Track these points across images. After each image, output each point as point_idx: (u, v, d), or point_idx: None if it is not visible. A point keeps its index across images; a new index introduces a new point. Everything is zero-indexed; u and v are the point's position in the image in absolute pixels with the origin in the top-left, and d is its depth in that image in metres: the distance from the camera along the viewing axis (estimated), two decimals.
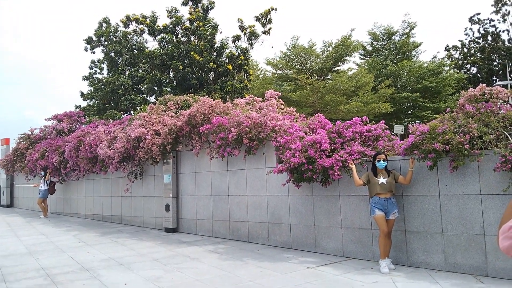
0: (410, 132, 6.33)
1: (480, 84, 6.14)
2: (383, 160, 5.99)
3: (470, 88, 6.19)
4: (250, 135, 7.85)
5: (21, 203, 19.07)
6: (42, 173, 14.24)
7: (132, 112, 18.07)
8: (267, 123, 7.73)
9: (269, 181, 8.01)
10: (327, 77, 24.35)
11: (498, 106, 5.88)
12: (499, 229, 1.17)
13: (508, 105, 6.02)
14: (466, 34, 34.14)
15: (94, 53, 20.93)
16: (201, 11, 17.46)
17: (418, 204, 6.01)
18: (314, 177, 6.67)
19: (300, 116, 9.29)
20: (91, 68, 21.93)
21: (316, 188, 7.18)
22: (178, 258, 7.00)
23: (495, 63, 33.20)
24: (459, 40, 34.91)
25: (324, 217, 7.12)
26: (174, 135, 9.38)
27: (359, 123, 6.98)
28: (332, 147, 6.68)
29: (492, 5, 32.21)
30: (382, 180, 5.94)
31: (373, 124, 7.21)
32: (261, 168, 8.17)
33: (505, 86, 28.28)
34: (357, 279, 5.43)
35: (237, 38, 16.98)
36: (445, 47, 34.49)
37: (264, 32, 16.84)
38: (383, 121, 7.44)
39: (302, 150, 6.74)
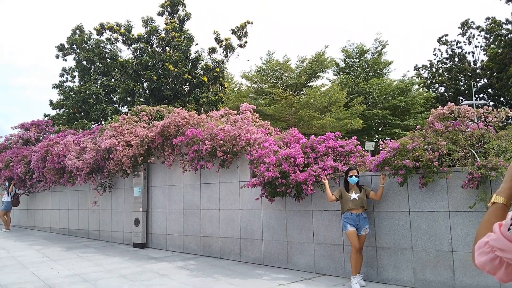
0: (381, 148, 6.43)
1: (449, 102, 6.33)
2: (355, 176, 6.05)
3: (439, 106, 6.36)
4: (225, 148, 7.79)
5: None
6: (6, 183, 13.63)
7: (103, 122, 17.66)
8: (242, 136, 7.69)
9: (243, 195, 7.93)
10: (301, 92, 24.67)
11: (465, 124, 6.07)
12: (474, 245, 1.16)
13: (475, 123, 6.23)
14: (434, 54, 35.43)
15: (65, 60, 20.41)
16: (177, 22, 17.42)
17: (388, 220, 6.08)
18: (288, 191, 6.65)
19: (274, 130, 9.30)
20: (61, 76, 21.32)
21: (289, 203, 7.16)
22: (146, 275, 6.78)
23: (461, 83, 34.53)
24: (428, 60, 36.25)
25: (296, 232, 7.09)
26: (146, 147, 9.18)
27: (332, 138, 7.05)
28: (305, 162, 6.69)
29: (458, 27, 33.63)
30: (354, 195, 5.99)
31: (346, 140, 7.30)
32: (235, 182, 8.10)
33: (471, 106, 29.40)
34: None
35: (212, 50, 17.00)
36: (415, 67, 35.67)
37: (240, 45, 16.94)
38: (355, 137, 7.55)
39: (276, 164, 6.72)
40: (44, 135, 15.77)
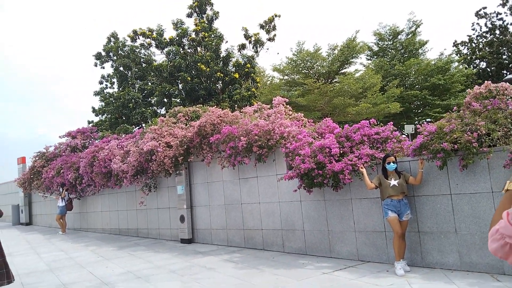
0: (419, 132, 6.35)
1: (486, 81, 6.14)
2: (393, 162, 6.02)
3: (476, 86, 6.19)
4: (260, 143, 7.94)
5: (40, 221, 19.42)
6: (60, 189, 14.52)
7: (143, 125, 18.32)
8: (276, 130, 7.81)
9: (281, 187, 8.07)
10: (335, 80, 24.36)
11: (505, 102, 5.87)
12: (489, 231, 1.23)
13: None
14: (473, 29, 33.76)
15: (103, 68, 21.34)
16: (206, 22, 17.71)
17: (430, 204, 6.02)
18: (325, 182, 6.71)
19: (308, 121, 9.34)
20: (101, 83, 22.31)
21: (328, 192, 7.22)
22: (194, 269, 7.09)
23: (504, 57, 32.77)
24: (467, 35, 34.53)
25: (337, 221, 7.15)
26: (185, 147, 9.52)
27: (367, 126, 7.02)
28: (341, 151, 6.72)
29: None
30: (393, 182, 5.97)
31: (381, 126, 7.24)
32: (272, 175, 8.24)
33: None
34: (372, 282, 5.45)
35: (242, 47, 17.16)
36: (453, 43, 34.18)
37: (269, 39, 16.99)
38: (391, 123, 7.46)
39: (311, 155, 6.79)
40: (90, 142, 16.61)
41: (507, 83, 6.08)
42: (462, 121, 5.85)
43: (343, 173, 6.39)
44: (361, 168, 6.33)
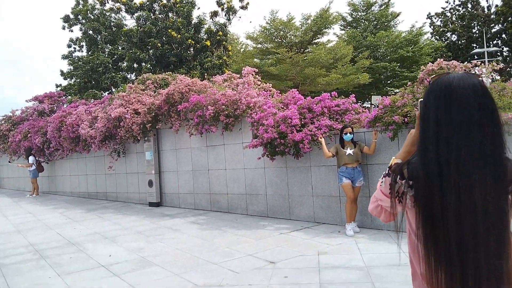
0: (375, 105, 6.74)
1: (439, 59, 6.54)
2: (350, 133, 6.42)
3: (429, 63, 6.58)
4: (227, 112, 8.19)
5: (7, 184, 19.25)
6: (28, 160, 14.42)
7: (113, 90, 18.11)
8: (242, 100, 8.06)
9: (246, 155, 8.41)
10: (307, 50, 24.51)
11: (480, 79, 6.29)
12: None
13: None
14: (447, 2, 34.27)
15: (72, 31, 20.69)
16: None
17: (381, 172, 6.49)
18: (286, 150, 7.08)
19: (276, 92, 9.61)
20: (69, 46, 21.63)
21: (289, 160, 7.62)
22: (160, 230, 7.45)
23: (474, 30, 33.57)
24: (442, 8, 35.04)
25: (297, 187, 7.60)
26: (153, 114, 9.65)
27: (328, 98, 7.37)
28: (302, 122, 7.07)
29: None
30: (349, 151, 6.39)
31: (343, 99, 7.61)
32: (238, 143, 8.56)
33: (482, 54, 28.83)
34: (324, 242, 5.95)
35: (214, 14, 16.99)
36: (427, 15, 34.65)
37: (242, 7, 16.89)
38: (353, 95, 7.85)
39: (274, 125, 7.11)
40: (58, 106, 16.38)
41: (458, 62, 6.50)
42: (414, 96, 6.27)
43: (303, 142, 6.76)
44: (320, 138, 6.71)
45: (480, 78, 1.31)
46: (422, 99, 1.34)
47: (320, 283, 4.23)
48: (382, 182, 1.43)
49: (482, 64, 6.45)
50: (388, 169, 1.40)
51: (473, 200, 1.17)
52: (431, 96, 1.30)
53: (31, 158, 14.30)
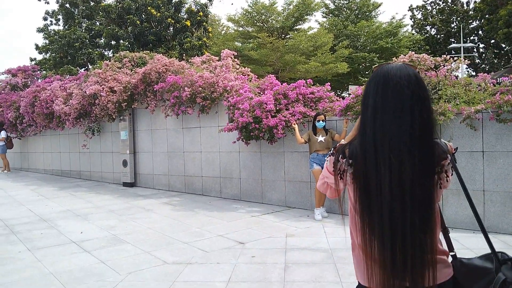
0: (349, 94, 6.93)
1: (410, 51, 6.74)
2: (322, 120, 6.59)
3: (401, 55, 6.78)
4: (203, 95, 8.22)
5: None
6: (3, 133, 14.08)
7: (89, 67, 17.73)
8: (219, 84, 8.10)
9: (222, 138, 8.50)
10: (288, 36, 24.52)
11: (424, 73, 6.53)
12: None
13: (433, 72, 6.69)
14: None
15: (48, 3, 20.04)
16: None
17: None
18: (261, 135, 7.21)
19: (254, 77, 9.67)
20: (45, 19, 20.91)
21: (264, 145, 7.76)
22: (133, 210, 7.51)
23: (453, 25, 34.21)
24: (423, 1, 35.42)
25: (270, 171, 7.77)
26: (129, 93, 9.58)
27: (303, 86, 7.50)
28: (277, 108, 7.20)
29: None
30: (320, 138, 6.57)
31: (317, 87, 7.76)
32: (214, 126, 8.63)
33: (459, 49, 29.50)
34: (292, 225, 6.16)
35: None
36: (409, 7, 35.05)
37: None
38: (329, 84, 8.02)
39: (249, 110, 7.21)
40: (32, 81, 15.96)
41: (428, 56, 6.72)
42: None
43: (277, 128, 6.90)
44: (294, 124, 6.87)
45: (416, 70, 1.45)
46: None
47: (286, 263, 4.43)
48: (327, 161, 1.57)
49: (451, 58, 6.68)
50: (332, 149, 1.55)
51: (402, 178, 1.31)
52: (371, 83, 1.43)
53: (3, 133, 13.98)
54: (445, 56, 6.66)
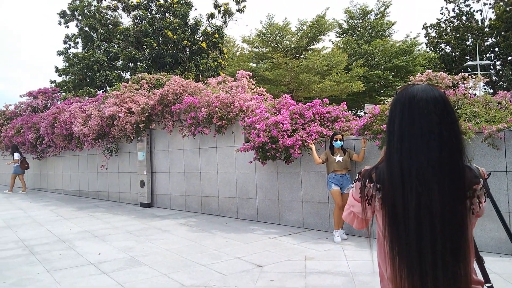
0: (366, 113, 6.88)
1: (427, 70, 6.70)
2: (340, 140, 6.54)
3: (418, 74, 6.73)
4: (220, 115, 8.28)
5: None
6: (14, 156, 14.43)
7: (108, 89, 18.12)
8: (236, 104, 8.16)
9: (238, 158, 8.50)
10: (302, 56, 24.70)
11: (442, 91, 6.45)
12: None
13: (452, 90, 6.61)
14: (442, 13, 34.70)
15: (68, 27, 20.66)
16: None
17: None
18: (277, 155, 7.18)
19: (269, 97, 9.71)
20: (65, 42, 21.58)
21: (280, 165, 7.72)
22: (150, 231, 7.51)
23: (468, 43, 34.02)
24: (437, 19, 35.42)
25: (287, 191, 7.70)
26: (147, 114, 9.71)
27: (319, 105, 7.49)
28: (293, 128, 7.19)
29: None
30: (338, 158, 6.51)
31: (334, 106, 7.74)
32: (231, 146, 8.65)
33: (475, 66, 29.22)
34: (311, 247, 6.05)
35: (211, 16, 17.10)
36: (423, 25, 35.04)
37: (239, 10, 17.02)
38: (345, 103, 7.99)
39: (266, 130, 7.21)
40: (52, 103, 16.36)
41: (446, 74, 6.66)
42: None
43: (293, 147, 6.87)
44: (311, 144, 6.83)
45: (443, 91, 1.42)
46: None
47: (305, 287, 4.33)
48: (353, 187, 1.53)
49: (470, 77, 6.61)
50: (358, 174, 1.50)
51: (432, 204, 1.26)
52: (397, 107, 1.40)
53: (16, 155, 14.33)
54: (462, 74, 6.59)
